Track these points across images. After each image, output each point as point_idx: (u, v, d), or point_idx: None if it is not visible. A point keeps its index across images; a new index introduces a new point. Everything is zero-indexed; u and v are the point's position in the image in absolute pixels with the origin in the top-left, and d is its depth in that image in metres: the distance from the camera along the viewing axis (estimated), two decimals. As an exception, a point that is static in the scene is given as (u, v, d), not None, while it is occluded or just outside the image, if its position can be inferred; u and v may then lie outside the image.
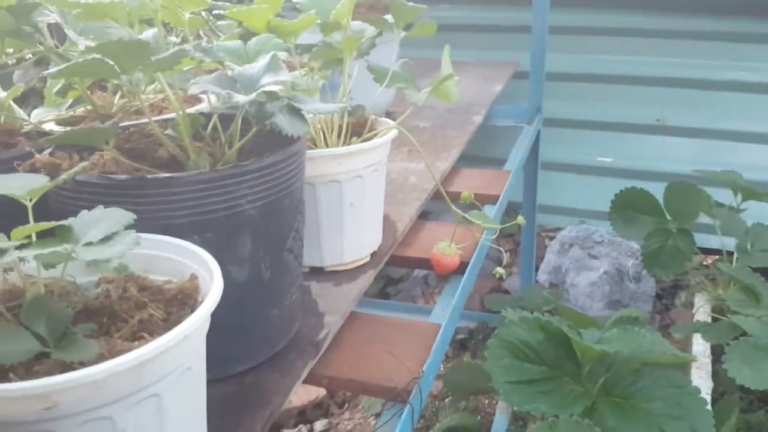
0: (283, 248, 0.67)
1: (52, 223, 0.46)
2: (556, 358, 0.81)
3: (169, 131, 0.67)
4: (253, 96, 0.58)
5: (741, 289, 1.19)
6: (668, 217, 1.45)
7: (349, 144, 0.89)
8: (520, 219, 0.97)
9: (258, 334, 0.67)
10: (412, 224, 1.08)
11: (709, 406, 0.77)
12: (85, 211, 0.48)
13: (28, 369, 0.44)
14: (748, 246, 1.39)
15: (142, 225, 0.51)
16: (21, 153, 0.65)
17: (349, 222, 0.87)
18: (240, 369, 0.66)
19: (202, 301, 0.52)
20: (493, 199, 1.24)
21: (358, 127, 0.94)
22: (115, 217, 0.46)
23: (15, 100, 0.86)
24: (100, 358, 0.43)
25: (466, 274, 0.95)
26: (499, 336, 0.81)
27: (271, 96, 0.61)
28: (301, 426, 1.74)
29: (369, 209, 0.90)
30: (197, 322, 0.45)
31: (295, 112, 0.64)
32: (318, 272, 0.88)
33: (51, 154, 0.62)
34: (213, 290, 0.49)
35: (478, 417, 1.63)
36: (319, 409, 1.79)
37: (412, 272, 2.26)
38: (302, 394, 1.76)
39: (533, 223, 1.97)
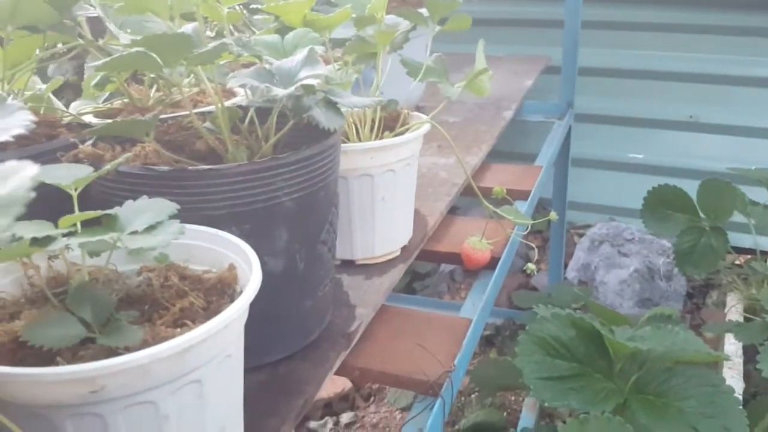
0: (317, 240, 0.67)
1: (99, 212, 0.47)
2: (587, 354, 0.81)
3: (207, 124, 0.68)
4: (291, 89, 0.58)
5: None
6: (701, 215, 1.43)
7: (381, 138, 0.89)
8: (553, 215, 0.97)
9: (292, 325, 0.68)
10: (442, 219, 1.09)
11: (741, 406, 0.76)
12: (129, 201, 0.49)
13: (74, 354, 0.45)
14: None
15: (181, 215, 0.52)
16: (64, 144, 0.67)
17: (380, 216, 0.87)
18: (274, 358, 0.67)
19: (241, 291, 0.54)
20: (524, 195, 1.23)
21: (390, 121, 0.94)
22: (160, 207, 0.47)
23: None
24: (144, 343, 0.44)
25: (497, 270, 0.95)
26: (530, 332, 0.81)
27: (309, 90, 0.62)
28: (327, 418, 1.75)
29: (400, 203, 0.90)
30: (239, 311, 0.46)
31: (332, 106, 0.64)
32: (349, 265, 0.88)
33: (93, 145, 0.64)
34: (252, 280, 0.49)
35: (504, 413, 1.63)
36: (345, 401, 1.80)
37: (438, 268, 2.26)
38: (328, 387, 1.77)
39: (563, 219, 1.95)
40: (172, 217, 0.47)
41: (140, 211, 0.48)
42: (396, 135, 0.89)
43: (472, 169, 1.28)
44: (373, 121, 0.91)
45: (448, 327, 0.83)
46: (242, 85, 0.61)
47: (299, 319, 0.68)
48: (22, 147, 0.67)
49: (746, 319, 1.45)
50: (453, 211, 1.18)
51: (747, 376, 1.25)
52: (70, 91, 1.15)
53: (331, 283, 0.74)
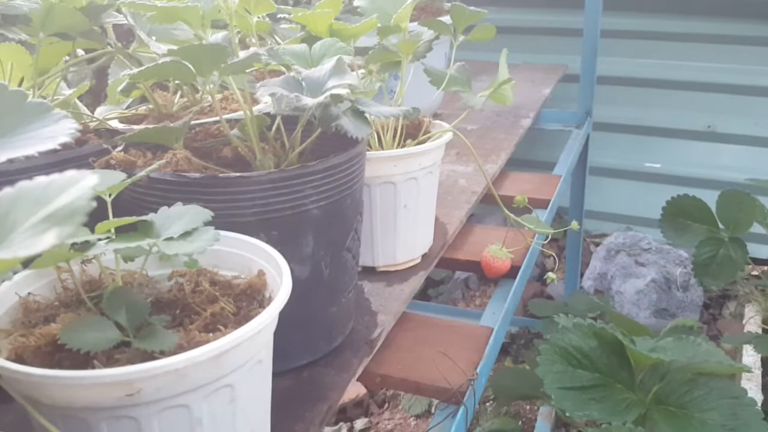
0: (343, 247, 0.68)
1: (135, 218, 0.48)
2: (609, 365, 0.81)
3: (235, 131, 0.69)
4: (320, 99, 0.59)
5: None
6: (720, 225, 1.42)
7: (403, 146, 0.90)
8: (575, 224, 0.97)
9: (317, 331, 0.69)
10: (461, 227, 1.09)
11: (763, 418, 0.76)
12: (164, 207, 0.50)
13: (110, 357, 0.46)
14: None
15: (211, 222, 0.53)
16: (94, 150, 0.68)
17: (402, 223, 0.88)
18: (299, 363, 0.68)
19: (270, 297, 0.54)
20: (543, 204, 1.23)
21: (412, 129, 0.95)
22: (195, 213, 0.48)
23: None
24: (179, 348, 0.45)
25: (518, 279, 0.95)
26: (551, 341, 0.81)
27: (337, 99, 0.62)
28: (341, 424, 1.75)
29: (422, 211, 0.91)
30: (270, 317, 0.47)
31: (359, 115, 0.65)
32: (370, 272, 0.89)
33: (124, 151, 0.65)
34: (283, 286, 0.50)
35: (519, 422, 1.62)
36: (359, 407, 1.81)
37: (453, 275, 2.26)
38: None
39: (580, 228, 1.95)
40: (207, 223, 0.48)
41: (175, 218, 0.49)
42: (418, 143, 0.90)
43: (491, 177, 1.29)
44: (395, 129, 0.91)
45: (469, 335, 0.83)
46: (272, 94, 0.62)
47: (324, 324, 0.69)
48: (52, 152, 0.69)
49: (764, 331, 1.44)
50: (470, 218, 1.18)
51: (765, 389, 1.24)
52: (88, 95, 1.17)
53: (355, 289, 0.75)
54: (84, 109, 0.94)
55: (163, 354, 0.44)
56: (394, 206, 0.86)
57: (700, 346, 0.82)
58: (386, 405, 1.82)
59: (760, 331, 1.40)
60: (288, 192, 0.60)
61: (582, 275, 2.09)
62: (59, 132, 0.37)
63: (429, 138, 0.91)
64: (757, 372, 1.26)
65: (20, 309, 0.51)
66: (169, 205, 0.51)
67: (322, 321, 0.69)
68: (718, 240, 1.42)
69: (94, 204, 0.23)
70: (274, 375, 0.62)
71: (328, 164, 0.62)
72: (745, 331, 1.47)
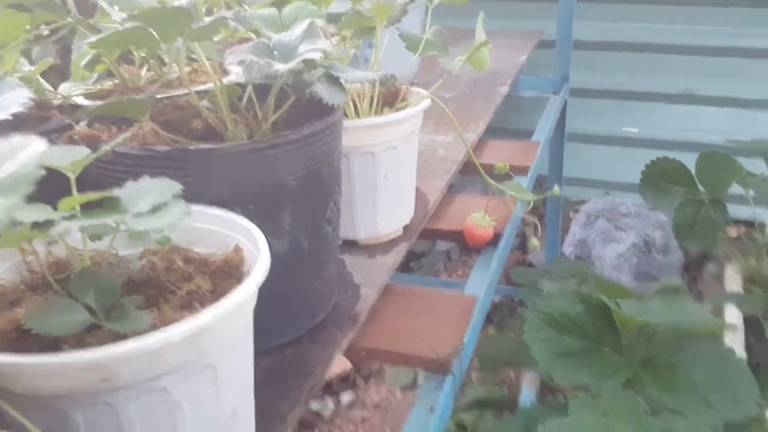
0: (322, 220, 0.66)
1: (101, 194, 0.45)
2: (595, 329, 0.80)
3: (204, 102, 0.66)
4: (292, 64, 0.56)
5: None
6: (700, 188, 1.42)
7: (381, 114, 0.88)
8: (557, 189, 0.96)
9: (298, 307, 0.67)
10: (442, 197, 1.07)
11: (752, 377, 0.76)
12: (131, 182, 0.47)
13: (80, 341, 0.44)
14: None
15: (183, 197, 0.50)
16: (57, 126, 0.65)
17: (383, 194, 0.86)
18: (282, 341, 0.66)
19: (248, 273, 0.52)
20: (523, 171, 1.22)
21: (389, 97, 0.92)
22: (164, 187, 0.46)
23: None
24: (153, 328, 0.42)
25: (501, 246, 0.94)
26: (537, 309, 0.80)
27: (310, 65, 0.60)
28: (327, 398, 1.75)
29: (403, 181, 0.89)
30: (249, 292, 0.45)
31: (334, 81, 0.62)
32: (351, 245, 0.87)
33: (88, 126, 0.61)
34: (261, 260, 0.48)
35: (505, 390, 1.63)
36: (345, 382, 1.80)
37: (434, 246, 2.25)
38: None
39: (560, 195, 1.94)
40: (177, 197, 0.46)
41: (143, 192, 0.46)
42: (396, 111, 0.87)
43: (470, 146, 1.27)
44: (371, 97, 0.89)
45: (453, 305, 0.82)
46: (241, 61, 0.59)
47: (306, 300, 0.67)
48: (12, 129, 0.65)
49: (746, 290, 1.45)
50: (450, 189, 1.17)
51: (748, 347, 1.25)
52: (54, 74, 1.12)
53: (336, 263, 0.73)
54: (47, 86, 0.90)
55: (136, 336, 0.42)
56: (374, 177, 0.84)
57: (686, 307, 0.81)
58: (372, 378, 1.82)
59: (741, 290, 1.41)
60: (262, 164, 0.58)
61: (562, 242, 2.09)
62: (12, 101, 0.34)
63: (407, 106, 0.88)
64: (740, 331, 1.27)
65: (-18, 294, 0.48)
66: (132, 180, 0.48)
67: (304, 296, 0.67)
68: (698, 202, 1.42)
69: (43, 172, 0.21)
70: (257, 353, 0.60)
71: (303, 133, 0.60)
72: (726, 291, 1.48)
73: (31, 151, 0.22)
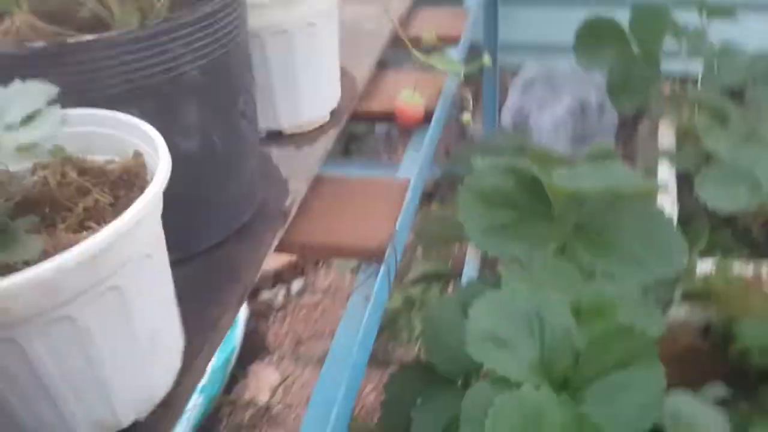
0: (235, 113, 0.61)
1: (-40, 108, 0.39)
2: (528, 201, 0.79)
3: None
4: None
5: (709, 113, 1.18)
6: (634, 46, 1.39)
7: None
8: (486, 58, 0.92)
9: (219, 209, 0.63)
10: (372, 76, 1.02)
11: (679, 233, 0.78)
12: (-2, 90, 0.41)
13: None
14: (715, 68, 1.36)
15: (69, 99, 0.45)
16: None
17: (303, 77, 0.80)
18: (205, 246, 0.63)
19: (152, 180, 0.48)
20: (454, 40, 1.17)
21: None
22: (34, 92, 0.40)
23: None
24: (45, 255, 0.39)
25: (432, 123, 0.91)
26: (469, 185, 0.79)
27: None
28: (278, 286, 1.76)
29: (325, 61, 0.83)
30: (148, 204, 0.41)
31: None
32: (276, 136, 0.82)
33: (-51, 27, 0.54)
34: (161, 167, 0.44)
35: (450, 263, 1.66)
36: (295, 270, 1.81)
37: (374, 128, 2.20)
38: (276, 257, 1.77)
39: (495, 63, 1.90)
40: (52, 102, 0.40)
41: (11, 100, 0.40)
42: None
43: (398, 17, 1.20)
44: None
45: (386, 190, 0.80)
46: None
47: (226, 201, 0.64)
48: None
49: (678, 147, 1.48)
50: (383, 65, 1.11)
51: (681, 202, 1.29)
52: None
53: (258, 158, 0.69)
54: None
55: (27, 264, 0.38)
56: (292, 59, 0.78)
57: (617, 170, 0.81)
58: (321, 263, 1.83)
59: (673, 146, 1.43)
60: (157, 53, 0.52)
61: (500, 112, 2.07)
62: None
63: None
64: (673, 188, 1.31)
65: None
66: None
67: (224, 197, 0.63)
68: (630, 59, 1.40)
69: None
70: (182, 261, 0.57)
71: (199, 14, 0.53)
72: (659, 147, 1.50)
73: None
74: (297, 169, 0.77)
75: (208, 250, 0.63)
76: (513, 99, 2.03)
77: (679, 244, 0.76)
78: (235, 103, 0.61)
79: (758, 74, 1.36)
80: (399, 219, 0.73)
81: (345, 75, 0.94)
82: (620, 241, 0.77)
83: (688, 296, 1.06)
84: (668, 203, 1.27)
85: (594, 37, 1.41)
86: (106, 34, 0.49)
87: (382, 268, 0.68)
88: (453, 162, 1.83)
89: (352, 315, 0.66)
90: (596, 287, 0.72)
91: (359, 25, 1.15)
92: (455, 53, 1.16)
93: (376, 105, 0.97)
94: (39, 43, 0.49)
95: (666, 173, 1.27)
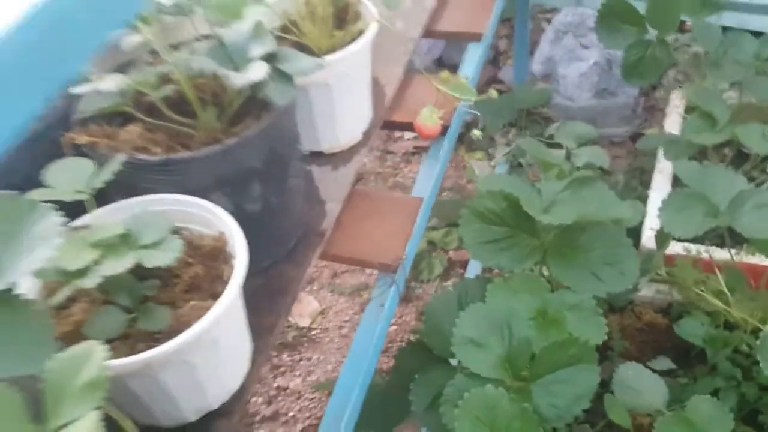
0: (285, 178, 0.82)
1: (118, 230, 0.62)
2: (516, 219, 0.99)
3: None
4: (249, 78, 0.68)
5: (700, 113, 1.31)
6: (650, 28, 1.50)
7: (332, 36, 0.97)
8: (493, 92, 1.08)
9: (274, 242, 0.85)
10: (399, 83, 1.18)
11: (636, 255, 0.97)
12: (137, 215, 0.63)
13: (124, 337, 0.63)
14: (723, 55, 1.46)
15: (174, 188, 0.68)
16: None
17: (340, 112, 0.99)
18: (261, 268, 0.85)
19: (230, 253, 0.70)
20: (476, 38, 1.30)
21: (341, 12, 1.00)
22: (161, 223, 0.62)
23: None
24: (172, 329, 0.62)
25: (445, 143, 1.09)
26: (470, 206, 0.99)
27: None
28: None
29: (358, 96, 1.01)
30: (235, 293, 0.64)
31: (284, 77, 0.74)
32: (318, 156, 1.02)
33: (82, 125, 0.74)
34: (239, 260, 0.66)
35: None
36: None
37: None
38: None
39: (526, 5, 1.97)
40: (173, 231, 0.62)
41: (145, 226, 0.63)
42: (348, 34, 0.96)
43: (429, 12, 1.33)
44: (322, 17, 0.97)
45: (403, 207, 1.00)
46: (201, 69, 0.70)
47: (279, 237, 0.86)
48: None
49: (685, 118, 1.61)
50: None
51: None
52: None
53: (303, 195, 0.90)
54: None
55: (161, 333, 0.62)
56: (331, 101, 0.97)
57: (594, 198, 0.99)
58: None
59: (677, 126, 1.57)
60: (232, 159, 0.72)
61: (532, 55, 2.18)
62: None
63: (360, 30, 0.97)
64: (669, 166, 1.47)
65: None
66: (132, 182, 0.64)
67: (277, 235, 0.85)
68: (645, 42, 1.51)
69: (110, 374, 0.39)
70: (247, 276, 0.80)
71: (260, 128, 0.73)
72: (665, 122, 1.63)
73: (97, 359, 0.39)
74: (333, 190, 0.97)
75: (263, 270, 0.86)
76: (544, 47, 2.13)
77: (633, 266, 0.96)
78: (287, 173, 0.81)
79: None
80: (410, 239, 0.94)
81: (376, 86, 1.12)
82: (585, 259, 0.97)
83: (655, 278, 1.26)
84: (663, 182, 1.44)
85: (614, 18, 1.52)
86: (196, 154, 0.70)
87: (392, 290, 0.91)
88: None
89: (369, 318, 0.90)
90: (558, 298, 0.94)
91: (390, 23, 1.29)
92: (477, 49, 1.31)
93: (399, 116, 1.14)
94: (155, 158, 0.70)
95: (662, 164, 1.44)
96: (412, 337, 1.64)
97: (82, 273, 0.58)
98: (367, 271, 1.79)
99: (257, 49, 0.71)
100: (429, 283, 1.77)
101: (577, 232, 0.99)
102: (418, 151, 2.15)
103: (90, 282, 0.57)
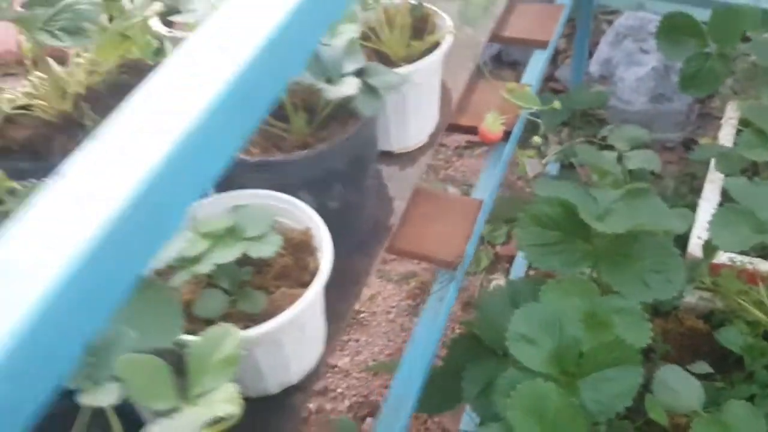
0: (363, 179, 0.90)
1: (225, 219, 0.71)
2: (571, 224, 1.05)
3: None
4: (341, 94, 0.76)
5: (753, 129, 1.34)
6: (710, 42, 1.52)
7: (409, 46, 1.04)
8: (556, 103, 1.13)
9: (349, 235, 0.94)
10: (465, 88, 1.25)
11: (683, 265, 1.03)
12: (242, 208, 0.72)
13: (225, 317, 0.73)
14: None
15: (272, 186, 0.76)
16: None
17: (411, 116, 1.06)
18: (336, 259, 0.94)
19: (316, 246, 0.79)
20: (542, 45, 1.36)
21: (418, 22, 1.07)
22: (264, 219, 0.71)
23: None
24: (265, 313, 0.71)
25: (507, 148, 1.16)
26: (527, 211, 1.05)
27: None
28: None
29: (428, 100, 1.08)
30: (323, 276, 0.72)
31: (371, 90, 0.81)
32: (388, 155, 1.10)
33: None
34: (324, 258, 0.74)
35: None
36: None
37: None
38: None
39: (590, 7, 2.00)
40: (272, 226, 0.71)
41: (250, 220, 0.71)
42: (425, 44, 1.03)
43: (496, 18, 1.39)
44: (401, 26, 1.04)
45: (463, 207, 1.08)
46: (298, 82, 0.78)
47: (354, 230, 0.94)
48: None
49: (739, 132, 1.64)
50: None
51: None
52: None
53: (376, 192, 0.98)
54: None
55: (256, 315, 0.71)
56: (404, 106, 1.04)
57: (647, 208, 1.05)
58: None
59: (731, 138, 1.59)
60: (321, 162, 0.81)
61: (591, 56, 2.20)
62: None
63: (436, 41, 1.04)
64: (719, 177, 1.50)
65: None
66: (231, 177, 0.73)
67: (352, 230, 0.94)
68: (705, 55, 1.54)
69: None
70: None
71: (348, 134, 0.81)
72: (720, 133, 1.66)
73: (232, 340, 0.48)
74: (400, 188, 1.05)
75: (337, 262, 0.94)
76: (603, 48, 2.16)
77: (680, 275, 1.02)
78: (365, 174, 0.90)
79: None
80: (470, 240, 1.02)
81: (443, 88, 1.18)
82: (636, 266, 1.03)
83: (700, 286, 1.31)
84: (713, 191, 1.48)
85: (675, 30, 1.55)
86: (292, 156, 0.78)
87: (452, 286, 0.98)
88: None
89: (429, 311, 0.98)
90: (607, 301, 1.00)
91: (459, 29, 1.35)
92: (543, 55, 1.36)
93: (464, 120, 1.21)
94: (255, 159, 0.79)
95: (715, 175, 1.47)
96: (458, 328, 1.72)
97: (196, 260, 0.67)
98: (416, 260, 1.88)
99: (350, 65, 0.79)
100: (475, 276, 1.85)
101: (629, 240, 1.05)
102: (471, 145, 2.21)
103: (204, 268, 0.66)
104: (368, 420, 1.63)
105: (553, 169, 2.02)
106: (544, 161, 2.08)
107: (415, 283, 1.91)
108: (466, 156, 2.21)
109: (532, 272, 1.79)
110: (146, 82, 0.32)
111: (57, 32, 0.77)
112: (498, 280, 1.84)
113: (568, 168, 2.03)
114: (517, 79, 1.34)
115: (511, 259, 1.87)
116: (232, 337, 0.50)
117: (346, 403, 1.66)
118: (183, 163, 0.30)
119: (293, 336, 0.73)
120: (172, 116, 0.30)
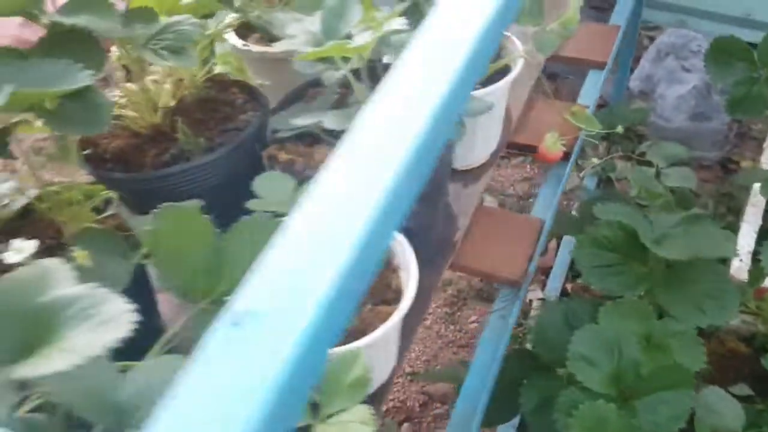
0: (438, 198, 0.93)
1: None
2: (629, 247, 1.08)
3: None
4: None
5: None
6: (759, 65, 1.54)
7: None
8: (619, 128, 1.16)
9: (420, 253, 0.97)
10: (525, 106, 1.28)
11: (737, 292, 1.06)
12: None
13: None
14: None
15: None
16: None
17: (479, 136, 1.09)
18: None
19: (397, 264, 0.82)
20: (599, 66, 1.38)
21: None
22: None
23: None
24: (357, 331, 0.75)
25: (568, 169, 1.18)
26: (587, 232, 1.08)
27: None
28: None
29: (495, 121, 1.11)
30: (411, 299, 0.76)
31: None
32: (453, 173, 1.13)
33: (280, 145, 0.87)
34: (412, 278, 0.78)
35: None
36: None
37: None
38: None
39: (637, 20, 2.01)
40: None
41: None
42: (495, 65, 1.06)
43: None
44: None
45: (524, 226, 1.11)
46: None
47: (424, 243, 0.97)
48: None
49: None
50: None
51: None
52: None
53: (444, 209, 1.01)
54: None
55: (347, 330, 0.74)
56: (473, 127, 1.07)
57: (704, 235, 1.08)
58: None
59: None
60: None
61: (632, 72, 2.22)
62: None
63: (506, 65, 1.06)
64: (762, 202, 1.52)
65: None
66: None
67: (424, 247, 0.97)
68: (753, 79, 1.56)
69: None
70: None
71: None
72: (763, 153, 1.68)
73: None
74: (463, 206, 1.08)
75: (408, 276, 0.98)
76: (644, 65, 2.18)
77: (734, 302, 1.05)
78: (440, 193, 0.93)
79: None
80: (533, 259, 1.05)
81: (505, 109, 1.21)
82: (691, 291, 1.06)
83: (743, 310, 1.34)
84: (751, 223, 1.50)
85: (724, 54, 1.57)
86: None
87: (517, 304, 1.02)
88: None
89: (491, 329, 1.01)
90: (663, 325, 1.03)
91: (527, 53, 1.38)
92: (600, 75, 1.39)
93: (522, 138, 1.24)
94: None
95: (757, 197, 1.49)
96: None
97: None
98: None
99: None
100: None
101: (685, 265, 1.08)
102: (507, 155, 2.23)
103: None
104: (405, 425, 1.66)
105: (591, 182, 2.05)
106: (581, 174, 2.11)
107: (452, 290, 1.95)
108: (503, 166, 2.23)
109: (568, 286, 1.82)
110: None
111: (161, 51, 0.80)
112: (534, 292, 1.87)
113: (605, 182, 2.06)
114: (557, 91, 1.37)
115: (547, 271, 1.90)
116: (360, 359, 0.53)
117: (383, 407, 1.70)
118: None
119: (378, 351, 0.77)
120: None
